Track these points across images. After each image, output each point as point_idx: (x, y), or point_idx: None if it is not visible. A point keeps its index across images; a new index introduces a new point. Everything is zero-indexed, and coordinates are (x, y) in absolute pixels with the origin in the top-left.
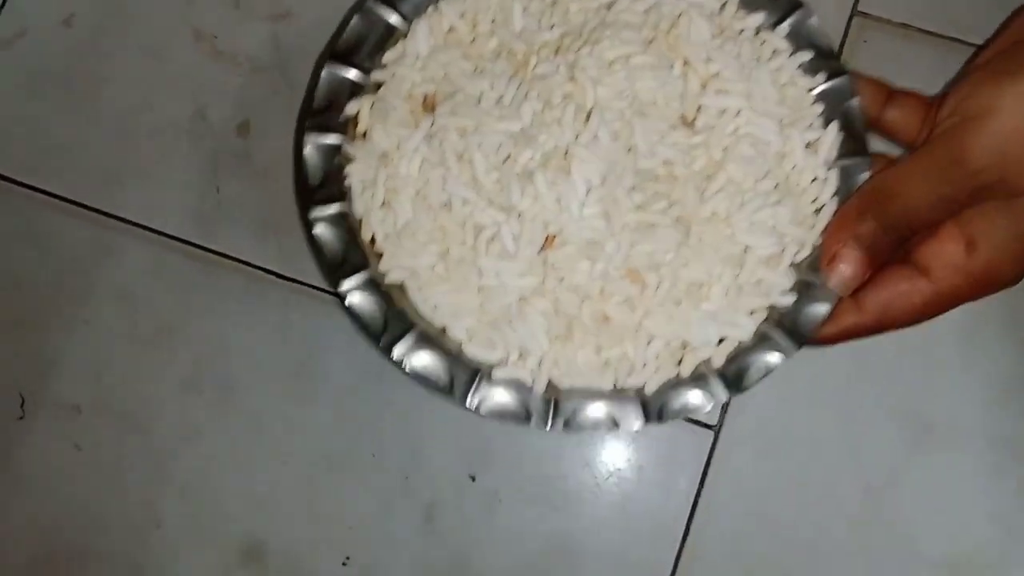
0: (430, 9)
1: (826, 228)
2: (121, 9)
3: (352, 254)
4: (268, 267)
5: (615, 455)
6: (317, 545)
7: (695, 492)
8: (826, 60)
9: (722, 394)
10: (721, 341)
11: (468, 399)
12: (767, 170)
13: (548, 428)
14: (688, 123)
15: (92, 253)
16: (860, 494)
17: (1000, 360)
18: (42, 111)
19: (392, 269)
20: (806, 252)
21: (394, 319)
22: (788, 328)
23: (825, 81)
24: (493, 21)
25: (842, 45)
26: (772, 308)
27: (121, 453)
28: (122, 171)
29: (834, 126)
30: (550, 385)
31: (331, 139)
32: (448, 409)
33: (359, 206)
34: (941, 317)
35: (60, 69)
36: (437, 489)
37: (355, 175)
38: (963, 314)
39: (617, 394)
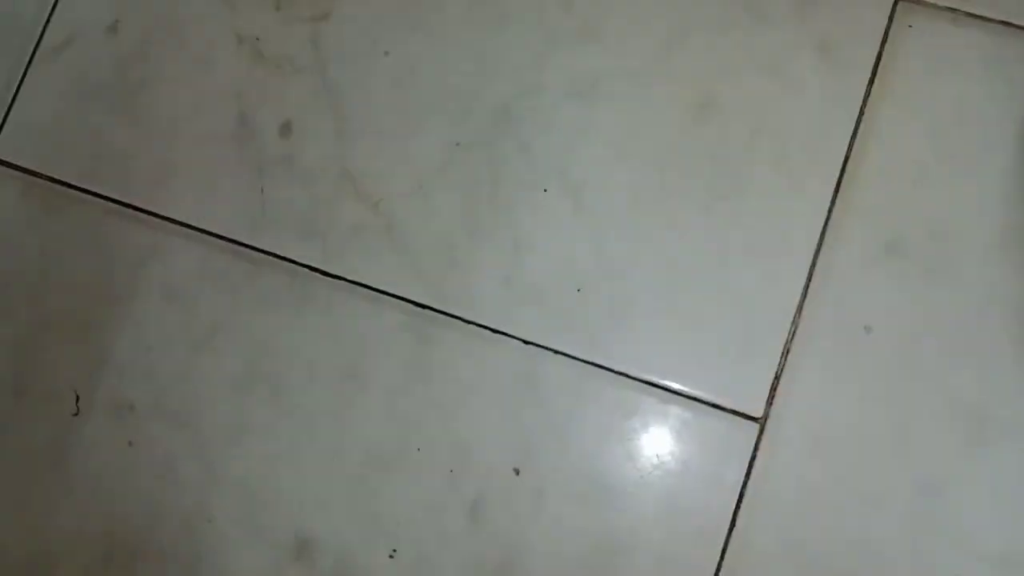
0: None
1: None
2: (164, 15)
3: None
4: (314, 265)
5: (659, 448)
6: (366, 538)
7: (741, 485)
8: None
9: None
10: None
11: None
12: None
13: None
14: None
15: (143, 253)
16: (911, 488)
17: None
18: (92, 117)
19: None
20: None
21: None
22: None
23: None
24: None
25: (887, 31)
26: None
27: (174, 450)
28: (171, 174)
29: None
30: None
31: None
32: (492, 404)
33: None
34: (991, 307)
35: (108, 76)
36: (483, 483)
37: None
38: (1013, 307)
39: None
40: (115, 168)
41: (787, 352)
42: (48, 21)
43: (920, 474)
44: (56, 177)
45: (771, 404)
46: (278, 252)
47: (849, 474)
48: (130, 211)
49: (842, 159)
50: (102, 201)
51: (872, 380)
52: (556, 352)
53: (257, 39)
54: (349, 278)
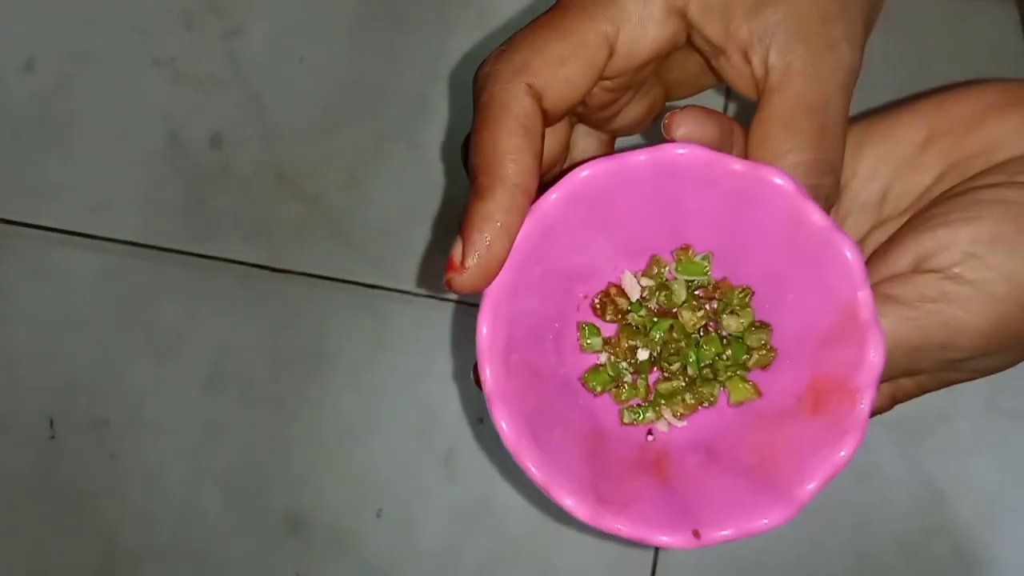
0: None
1: None
2: (78, 48)
3: None
4: (263, 263)
5: None
6: (351, 503)
7: None
8: None
9: None
10: None
11: None
12: None
13: None
14: None
15: (96, 277)
16: None
17: None
18: (26, 153)
19: None
20: None
21: None
22: None
23: None
24: None
25: None
26: None
27: (156, 455)
28: (111, 198)
29: None
30: None
31: None
32: (450, 365)
33: None
34: None
35: (33, 112)
36: (452, 437)
37: None
38: None
39: None
40: (54, 200)
41: None
42: None
43: None
44: (3, 217)
45: None
46: (227, 256)
47: None
48: (76, 238)
49: None
50: (45, 232)
51: None
52: None
53: (173, 60)
54: (298, 270)
